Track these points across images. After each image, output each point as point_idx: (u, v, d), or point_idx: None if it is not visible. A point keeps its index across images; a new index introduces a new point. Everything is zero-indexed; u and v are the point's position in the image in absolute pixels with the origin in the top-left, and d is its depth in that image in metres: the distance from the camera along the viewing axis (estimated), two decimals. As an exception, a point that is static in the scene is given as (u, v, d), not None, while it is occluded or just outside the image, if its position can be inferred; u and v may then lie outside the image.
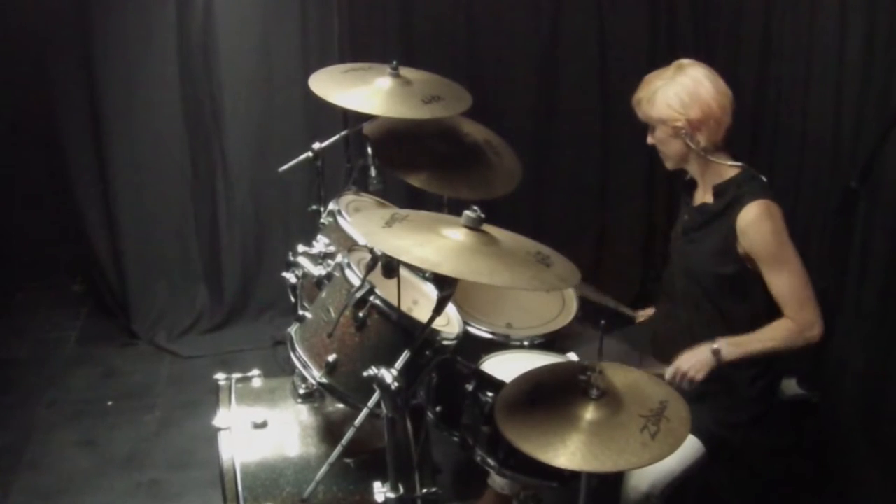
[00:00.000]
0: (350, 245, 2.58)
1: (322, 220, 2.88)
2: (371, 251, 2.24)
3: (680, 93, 2.47)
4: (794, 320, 2.43)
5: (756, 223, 2.41)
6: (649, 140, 2.61)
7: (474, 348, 2.63)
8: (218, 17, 4.04)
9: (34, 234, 4.58)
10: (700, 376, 2.44)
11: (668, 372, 2.46)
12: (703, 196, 2.59)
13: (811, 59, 3.45)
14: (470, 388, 2.40)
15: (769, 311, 2.47)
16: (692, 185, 2.67)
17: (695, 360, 2.44)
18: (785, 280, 2.42)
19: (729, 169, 2.53)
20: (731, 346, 2.44)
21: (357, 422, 2.18)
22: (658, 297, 2.84)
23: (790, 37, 3.61)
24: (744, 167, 2.53)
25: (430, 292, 2.52)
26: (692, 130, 2.48)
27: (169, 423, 3.66)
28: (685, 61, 2.54)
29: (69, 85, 4.12)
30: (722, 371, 2.51)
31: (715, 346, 2.43)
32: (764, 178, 2.54)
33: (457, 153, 3.00)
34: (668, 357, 2.60)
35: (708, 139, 2.50)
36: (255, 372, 2.73)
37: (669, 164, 2.63)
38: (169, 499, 3.24)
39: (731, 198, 2.48)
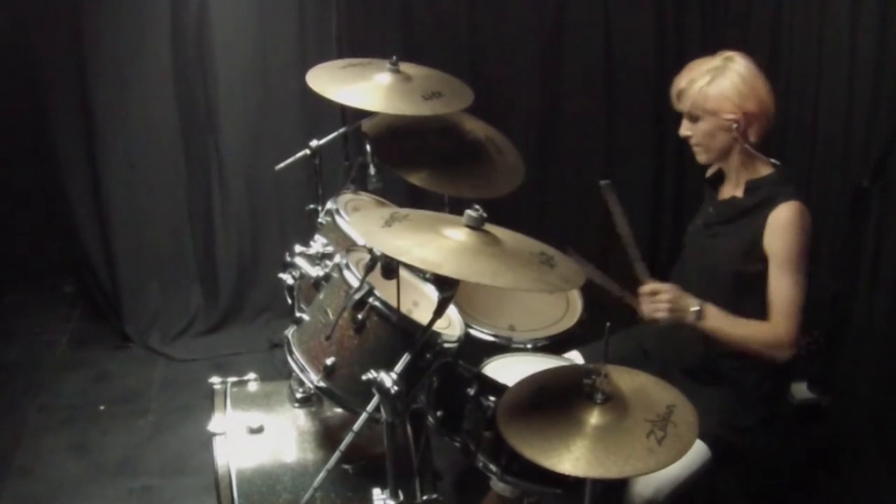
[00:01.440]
0: (348, 245, 2.59)
1: (320, 220, 2.88)
2: (370, 251, 2.25)
3: (738, 84, 2.45)
4: (775, 331, 2.42)
5: (787, 223, 2.41)
6: (684, 132, 2.56)
7: (476, 351, 2.63)
8: (213, 10, 4.05)
9: (24, 233, 4.58)
10: (665, 317, 2.43)
11: (648, 287, 2.47)
12: (734, 190, 2.58)
13: (822, 54, 3.46)
14: (471, 392, 2.40)
15: None
16: (718, 180, 2.66)
17: (679, 302, 2.44)
18: (787, 288, 2.42)
19: (765, 167, 2.53)
20: (715, 319, 2.43)
21: (356, 427, 2.19)
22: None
23: (800, 30, 3.61)
24: (780, 167, 2.54)
25: (431, 294, 2.53)
26: (746, 124, 2.47)
27: (162, 428, 3.66)
28: (732, 52, 2.52)
29: (59, 80, 4.12)
30: (728, 373, 2.52)
31: (702, 307, 2.43)
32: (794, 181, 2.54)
33: (458, 151, 3.01)
34: (674, 357, 2.60)
35: (757, 134, 2.49)
36: (251, 375, 2.74)
37: (705, 158, 2.58)
38: (163, 506, 3.25)
39: (763, 195, 2.48)
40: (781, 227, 2.42)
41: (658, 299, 2.45)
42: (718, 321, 2.44)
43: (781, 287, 2.42)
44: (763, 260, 2.46)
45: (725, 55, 2.52)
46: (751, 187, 2.52)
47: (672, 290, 2.45)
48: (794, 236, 2.42)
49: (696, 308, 2.44)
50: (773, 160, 2.55)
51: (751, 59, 2.51)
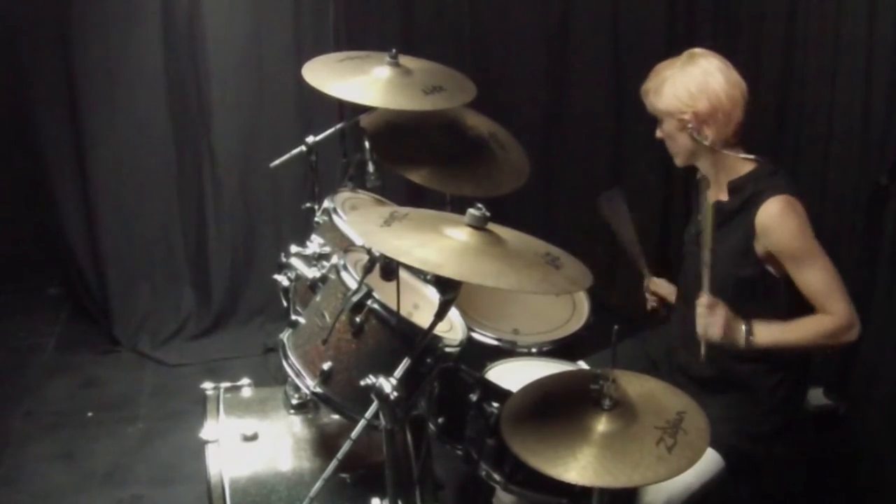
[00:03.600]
0: (346, 245, 2.59)
1: (316, 219, 2.88)
2: (369, 252, 2.25)
3: (688, 84, 2.48)
4: (831, 318, 2.42)
5: (779, 220, 2.41)
6: (658, 134, 2.62)
7: (479, 355, 2.64)
8: (205, 1, 4.05)
9: (8, 233, 4.59)
10: (717, 335, 2.38)
11: (706, 300, 2.40)
12: (718, 194, 2.59)
13: (838, 47, 3.45)
14: (474, 397, 2.40)
15: (793, 314, 2.48)
16: (704, 184, 2.67)
17: (732, 323, 2.41)
18: (817, 276, 2.42)
19: (743, 164, 2.53)
20: (765, 331, 2.42)
21: (354, 434, 2.19)
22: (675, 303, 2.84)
23: (816, 22, 3.61)
24: (760, 161, 2.53)
25: (432, 296, 2.53)
26: (699, 124, 2.49)
27: (153, 436, 3.67)
28: (697, 50, 2.55)
29: (46, 74, 4.13)
30: (742, 379, 2.52)
31: (748, 326, 2.42)
32: (781, 172, 2.54)
33: (460, 147, 3.01)
34: (683, 366, 2.60)
35: (716, 134, 2.50)
36: (245, 381, 2.74)
37: (679, 161, 2.63)
38: (153, 516, 3.26)
39: (748, 194, 2.48)
40: (774, 225, 2.41)
41: (715, 313, 2.39)
42: (771, 334, 2.43)
43: (811, 279, 2.42)
44: (759, 262, 2.46)
45: (690, 53, 2.55)
46: (734, 188, 2.53)
47: (727, 310, 2.41)
48: (792, 228, 2.41)
49: (744, 328, 2.42)
50: (752, 156, 2.54)
51: (717, 57, 2.52)
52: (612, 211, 2.79)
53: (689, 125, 2.49)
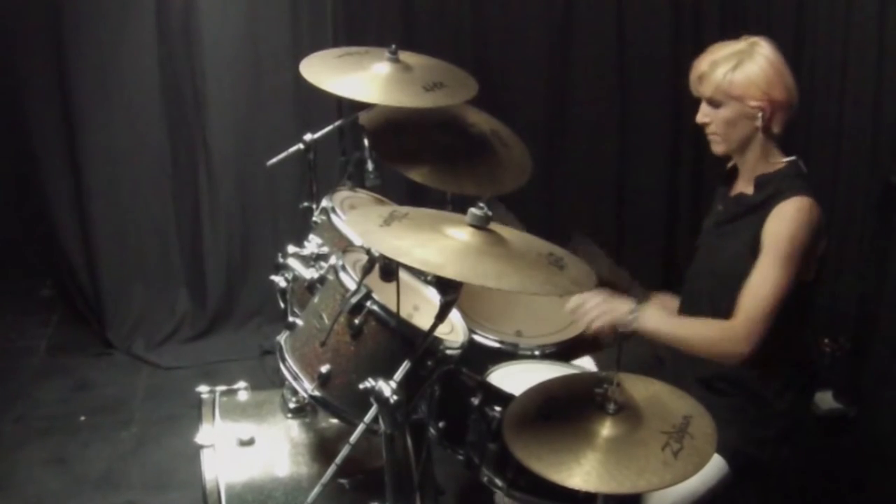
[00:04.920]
0: (345, 245, 2.59)
1: (314, 219, 2.88)
2: (368, 252, 2.25)
3: (767, 69, 2.45)
4: (730, 326, 2.38)
5: (788, 215, 2.39)
6: (702, 118, 2.54)
7: (481, 358, 2.63)
8: (200, -4, 4.06)
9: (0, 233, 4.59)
10: (603, 322, 2.42)
11: (572, 303, 2.47)
12: (743, 186, 2.58)
13: (848, 42, 3.46)
14: (476, 401, 2.40)
15: (801, 319, 2.47)
16: (732, 175, 2.66)
17: (610, 302, 2.43)
18: (762, 280, 2.37)
19: (778, 162, 2.53)
20: (651, 318, 2.42)
21: (352, 438, 2.19)
22: (680, 299, 2.84)
23: (825, 17, 3.61)
24: (793, 162, 2.53)
25: (433, 297, 2.53)
26: (771, 112, 2.47)
27: (147, 440, 3.67)
28: (756, 38, 2.52)
29: (37, 70, 4.13)
30: (748, 382, 2.52)
31: (637, 309, 2.42)
32: (807, 175, 2.53)
33: (461, 145, 3.01)
34: (690, 365, 2.61)
35: (781, 125, 2.49)
36: (241, 384, 2.74)
37: (722, 149, 2.57)
38: (147, 522, 3.26)
39: (772, 191, 2.47)
40: (781, 217, 2.39)
41: (587, 308, 2.44)
42: (656, 323, 2.43)
43: (757, 277, 2.38)
44: None
45: (750, 40, 2.52)
46: (760, 182, 2.51)
47: (596, 294, 2.43)
48: (792, 229, 2.38)
49: (630, 308, 2.42)
50: (788, 157, 2.54)
51: (775, 46, 2.51)
52: (584, 253, 2.77)
53: (760, 113, 2.46)
